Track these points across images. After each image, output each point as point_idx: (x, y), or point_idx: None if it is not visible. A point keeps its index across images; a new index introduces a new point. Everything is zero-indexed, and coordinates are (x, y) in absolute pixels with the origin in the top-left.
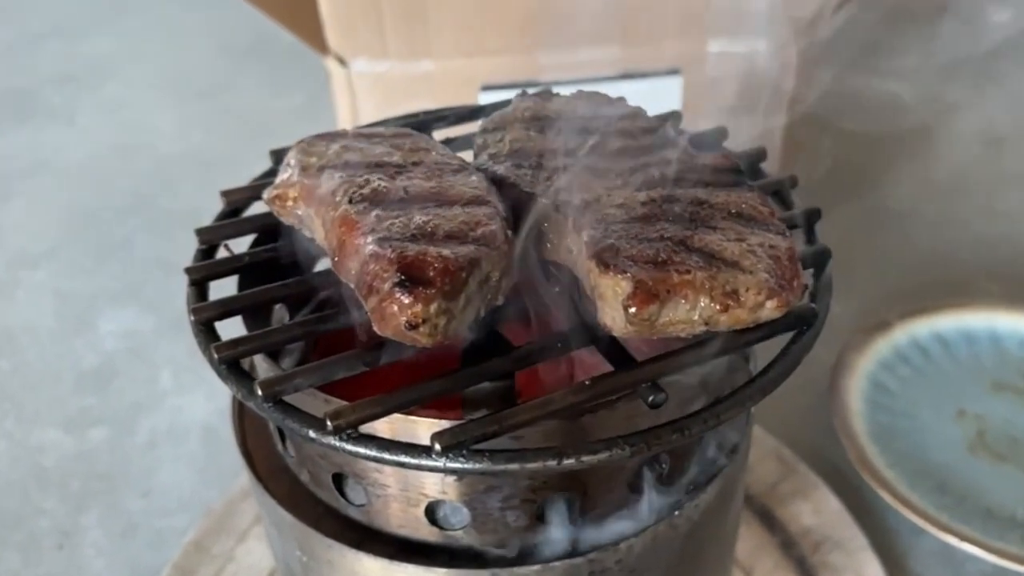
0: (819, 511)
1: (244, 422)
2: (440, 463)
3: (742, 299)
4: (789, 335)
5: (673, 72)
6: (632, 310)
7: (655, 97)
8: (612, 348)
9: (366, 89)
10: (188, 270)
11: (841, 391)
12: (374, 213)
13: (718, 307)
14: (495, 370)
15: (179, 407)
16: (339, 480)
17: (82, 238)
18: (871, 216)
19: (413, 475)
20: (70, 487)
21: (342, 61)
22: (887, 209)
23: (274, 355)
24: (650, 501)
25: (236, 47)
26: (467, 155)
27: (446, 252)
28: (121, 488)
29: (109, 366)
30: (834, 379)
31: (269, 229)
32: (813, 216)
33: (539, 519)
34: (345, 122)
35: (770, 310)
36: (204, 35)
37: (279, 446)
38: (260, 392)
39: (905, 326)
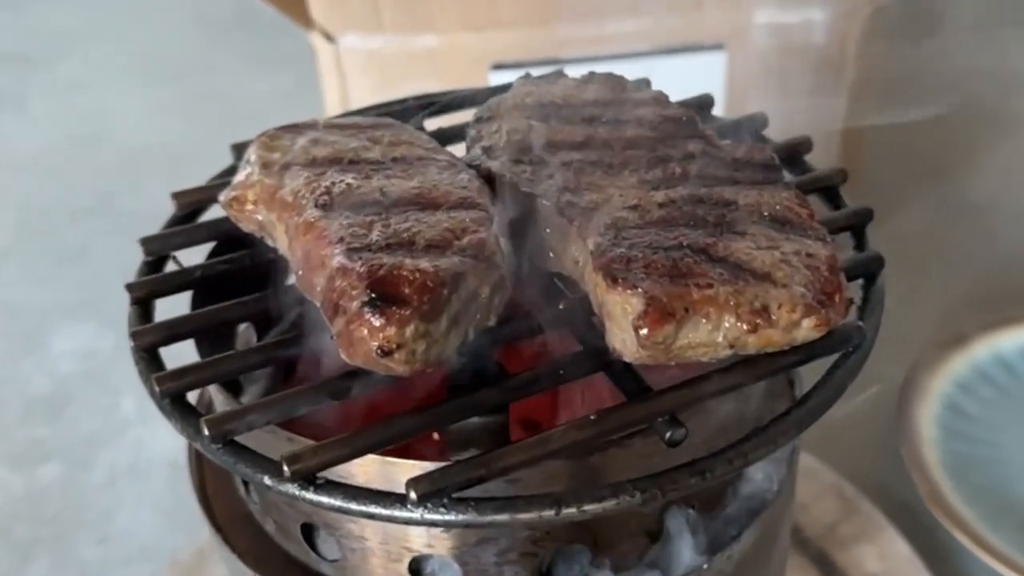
0: (885, 556)
1: (202, 463)
2: (417, 514)
3: (774, 317)
4: (833, 358)
5: (716, 47)
6: (644, 331)
7: (694, 77)
8: (625, 375)
9: (357, 69)
10: (129, 287)
11: (911, 416)
12: (343, 219)
13: (745, 327)
14: (485, 402)
15: (142, 439)
16: (309, 531)
17: (33, 243)
18: (946, 210)
19: (394, 526)
20: (15, 533)
21: (329, 37)
22: (964, 202)
23: (234, 386)
24: (673, 552)
25: (214, 20)
26: (460, 149)
27: (425, 265)
28: (74, 534)
29: (62, 392)
30: (902, 402)
31: (229, 237)
32: (864, 217)
33: (542, 575)
34: (333, 108)
35: (807, 329)
36: (176, 6)
37: (241, 491)
38: (207, 431)
39: (986, 339)
